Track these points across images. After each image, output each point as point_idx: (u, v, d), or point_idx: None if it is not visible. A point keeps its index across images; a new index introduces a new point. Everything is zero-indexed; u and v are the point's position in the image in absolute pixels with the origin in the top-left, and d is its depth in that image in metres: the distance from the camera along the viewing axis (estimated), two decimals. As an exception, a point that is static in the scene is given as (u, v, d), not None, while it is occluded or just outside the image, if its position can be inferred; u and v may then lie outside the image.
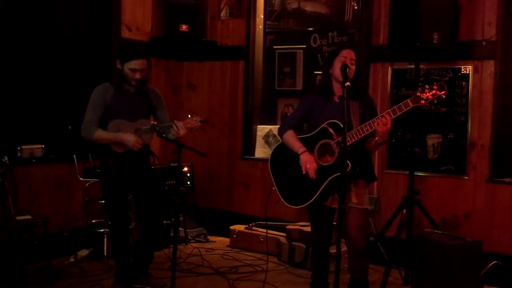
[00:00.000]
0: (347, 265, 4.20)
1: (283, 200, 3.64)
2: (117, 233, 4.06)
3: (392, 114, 3.28)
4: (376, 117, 3.31)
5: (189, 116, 3.90)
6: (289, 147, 3.61)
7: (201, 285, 4.34)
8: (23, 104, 4.75)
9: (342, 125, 3.21)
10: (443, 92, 3.25)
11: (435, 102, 3.30)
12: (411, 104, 3.28)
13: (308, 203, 3.52)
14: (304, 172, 3.49)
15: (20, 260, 4.35)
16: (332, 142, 3.44)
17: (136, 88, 3.95)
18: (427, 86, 3.28)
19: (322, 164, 3.49)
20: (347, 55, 3.49)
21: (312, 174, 3.46)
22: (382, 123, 3.26)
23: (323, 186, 3.45)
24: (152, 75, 5.55)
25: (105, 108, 3.89)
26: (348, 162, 3.32)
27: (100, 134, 3.86)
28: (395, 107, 3.30)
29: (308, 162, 3.48)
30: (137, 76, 3.86)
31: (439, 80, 4.68)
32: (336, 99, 3.55)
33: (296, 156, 3.56)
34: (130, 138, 3.83)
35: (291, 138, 3.62)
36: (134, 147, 3.83)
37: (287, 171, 3.63)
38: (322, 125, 3.49)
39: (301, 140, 3.59)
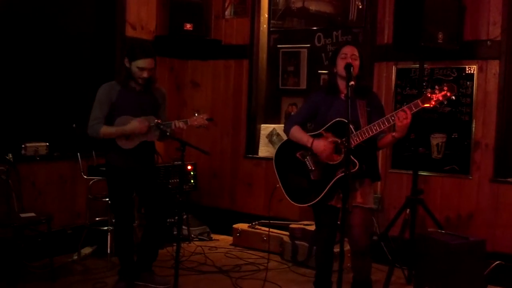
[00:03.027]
0: (350, 264, 4.20)
1: (288, 198, 3.64)
2: (122, 230, 4.07)
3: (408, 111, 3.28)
4: (394, 112, 3.31)
5: (196, 114, 3.92)
6: (297, 141, 3.60)
7: (204, 283, 4.34)
8: (28, 102, 4.76)
9: (348, 124, 3.21)
10: (453, 93, 3.25)
11: (445, 103, 3.29)
12: (421, 105, 3.27)
13: (313, 202, 3.52)
14: (321, 160, 3.46)
15: (23, 257, 4.35)
16: (339, 141, 3.44)
17: (143, 86, 3.96)
18: (437, 87, 3.27)
19: (329, 162, 3.48)
20: (347, 52, 3.50)
21: (330, 157, 3.44)
22: (402, 117, 3.25)
23: (329, 185, 3.45)
24: (156, 74, 5.55)
25: (111, 106, 3.90)
26: (356, 161, 3.31)
27: (106, 129, 3.88)
28: (404, 107, 3.29)
29: (323, 150, 3.46)
30: (145, 75, 3.88)
31: (444, 80, 4.68)
32: (342, 96, 3.55)
33: (301, 153, 3.57)
34: (134, 124, 3.84)
35: (298, 132, 3.61)
36: (141, 129, 3.83)
37: (292, 169, 3.63)
38: (329, 124, 3.49)
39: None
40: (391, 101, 4.90)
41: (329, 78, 3.66)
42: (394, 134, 3.34)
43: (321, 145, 3.47)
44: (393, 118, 3.30)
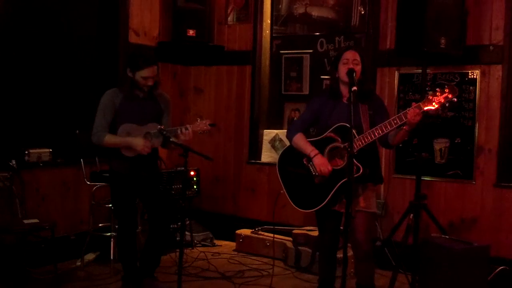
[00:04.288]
0: (353, 269, 4.19)
1: (292, 204, 3.64)
2: (125, 236, 4.07)
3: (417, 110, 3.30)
4: (394, 117, 3.31)
5: (198, 119, 3.93)
6: (299, 150, 3.60)
7: (207, 289, 4.35)
8: (31, 108, 4.78)
9: (350, 129, 3.21)
10: (455, 95, 3.25)
11: (447, 105, 3.29)
12: (422, 108, 3.28)
13: (319, 207, 3.51)
14: (318, 174, 3.46)
15: (27, 264, 4.36)
16: (342, 146, 3.44)
17: (146, 93, 3.97)
18: (438, 89, 3.27)
19: (332, 167, 3.48)
20: (349, 57, 3.50)
21: (327, 175, 3.44)
22: (414, 113, 3.26)
23: (334, 190, 3.45)
24: (159, 80, 5.57)
25: (115, 112, 3.91)
26: (360, 165, 3.31)
27: (110, 138, 3.89)
28: (406, 110, 3.30)
29: (322, 165, 3.46)
30: (149, 83, 3.91)
31: (446, 85, 4.67)
32: (344, 100, 3.56)
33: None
34: (139, 142, 3.84)
35: (301, 141, 3.61)
36: (143, 151, 3.85)
37: (295, 174, 3.63)
38: (331, 129, 3.49)
39: (310, 143, 3.58)
40: (394, 106, 4.89)
41: (331, 84, 3.65)
42: (405, 127, 3.35)
43: (321, 164, 3.46)
44: (395, 121, 3.31)
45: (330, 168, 3.45)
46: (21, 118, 4.70)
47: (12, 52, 4.62)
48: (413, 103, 3.35)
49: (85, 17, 5.25)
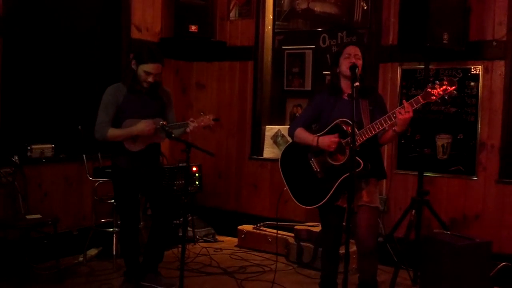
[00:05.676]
0: (355, 265, 4.20)
1: (295, 200, 3.64)
2: (127, 232, 4.08)
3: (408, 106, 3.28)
4: (395, 110, 3.30)
5: (202, 114, 3.93)
6: (301, 142, 3.61)
7: (209, 284, 4.35)
8: (34, 104, 4.78)
9: (351, 124, 3.20)
10: (453, 88, 3.24)
11: (446, 98, 3.29)
12: (421, 101, 3.27)
13: (320, 204, 3.51)
14: (326, 149, 3.45)
15: (29, 259, 4.36)
16: (343, 141, 3.44)
17: (149, 89, 3.96)
18: (437, 82, 3.27)
19: (334, 163, 3.48)
20: (351, 52, 3.50)
21: (335, 145, 3.43)
22: (404, 110, 3.25)
23: (335, 186, 3.44)
24: (162, 76, 5.57)
25: (117, 108, 3.91)
26: (360, 161, 3.31)
27: (114, 132, 3.88)
28: (404, 102, 3.29)
29: (329, 144, 3.44)
30: (150, 79, 3.88)
31: (446, 76, 4.66)
32: (345, 97, 3.55)
33: (306, 156, 3.57)
34: (141, 125, 3.84)
35: (302, 133, 3.61)
36: (149, 132, 3.84)
37: (298, 171, 3.63)
38: (332, 125, 3.48)
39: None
40: (396, 102, 4.89)
41: (331, 79, 3.65)
42: (395, 128, 3.34)
43: (326, 140, 3.46)
44: (394, 115, 3.30)
45: (336, 140, 3.43)
46: (24, 114, 4.70)
47: (15, 48, 4.62)
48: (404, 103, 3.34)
49: (87, 13, 5.25)
